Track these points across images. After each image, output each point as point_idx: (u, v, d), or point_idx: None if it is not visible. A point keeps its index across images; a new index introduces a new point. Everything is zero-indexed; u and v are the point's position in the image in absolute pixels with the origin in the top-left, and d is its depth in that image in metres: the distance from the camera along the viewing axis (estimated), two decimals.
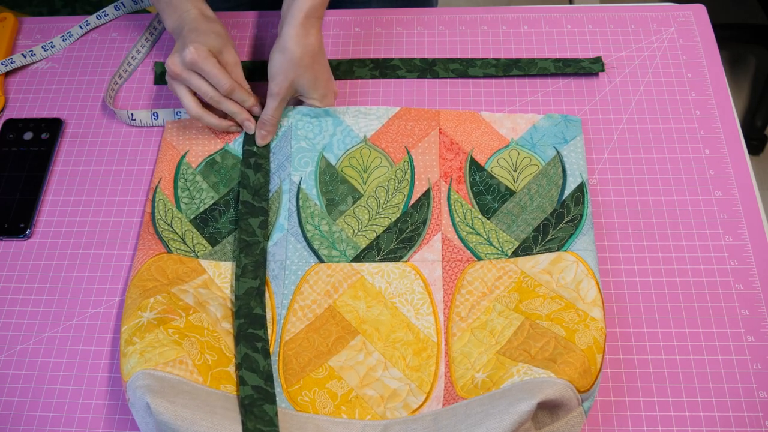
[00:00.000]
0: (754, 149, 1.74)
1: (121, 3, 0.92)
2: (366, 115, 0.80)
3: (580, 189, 0.74)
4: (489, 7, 0.91)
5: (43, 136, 0.83)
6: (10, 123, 0.84)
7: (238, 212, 0.75)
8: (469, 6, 0.98)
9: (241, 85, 0.77)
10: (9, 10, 1.47)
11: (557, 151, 0.76)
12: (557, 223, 0.72)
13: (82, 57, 0.90)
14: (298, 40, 0.74)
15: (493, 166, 0.77)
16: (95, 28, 0.92)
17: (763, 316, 0.69)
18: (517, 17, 0.89)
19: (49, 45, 0.89)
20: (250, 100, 0.77)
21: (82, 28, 0.91)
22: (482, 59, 0.85)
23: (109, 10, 0.92)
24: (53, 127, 0.84)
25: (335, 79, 0.86)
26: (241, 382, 0.64)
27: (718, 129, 0.80)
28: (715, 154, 0.79)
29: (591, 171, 0.78)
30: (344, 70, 0.86)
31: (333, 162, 0.78)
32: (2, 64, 0.87)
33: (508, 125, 0.79)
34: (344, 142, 0.78)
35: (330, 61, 0.86)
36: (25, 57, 0.88)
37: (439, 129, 0.79)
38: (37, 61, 0.89)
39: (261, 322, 0.68)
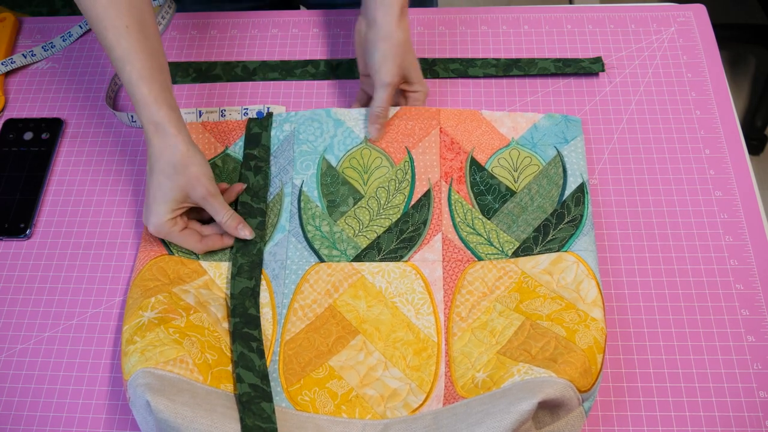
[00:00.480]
0: (754, 149, 1.74)
1: None
2: (367, 117, 0.80)
3: (581, 189, 0.74)
4: (489, 7, 0.91)
5: (43, 136, 0.83)
6: (10, 123, 0.84)
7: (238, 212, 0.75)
8: (469, 6, 0.98)
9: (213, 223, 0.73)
10: (9, 10, 1.47)
11: (558, 151, 0.76)
12: (557, 224, 0.72)
13: (82, 57, 0.90)
14: (399, 25, 0.73)
15: (494, 166, 0.77)
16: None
17: (763, 316, 0.69)
18: (517, 17, 0.89)
19: (49, 45, 0.89)
20: (233, 225, 0.71)
21: (81, 27, 0.91)
22: (482, 59, 0.85)
23: None
24: (53, 127, 0.84)
25: (335, 78, 0.86)
26: (238, 379, 0.64)
27: (718, 129, 0.80)
28: (715, 154, 0.79)
29: (591, 171, 0.78)
30: (344, 69, 0.86)
31: (334, 164, 0.78)
32: (2, 64, 0.87)
33: (509, 124, 0.79)
34: (345, 143, 0.78)
35: (330, 61, 0.87)
36: (25, 57, 0.88)
37: (440, 128, 0.79)
38: (37, 61, 0.89)
39: (255, 322, 0.68)
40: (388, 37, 0.73)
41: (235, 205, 0.76)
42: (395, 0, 0.73)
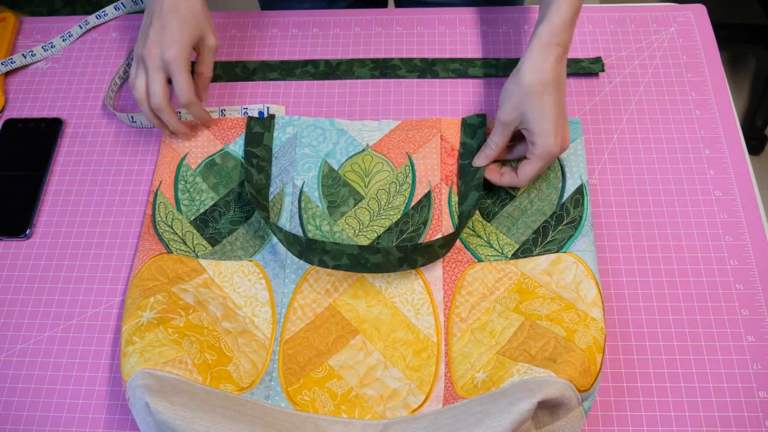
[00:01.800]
0: (754, 149, 1.74)
1: (121, 3, 0.92)
2: (370, 129, 0.80)
3: (580, 191, 0.74)
4: (489, 7, 0.91)
5: (43, 136, 0.83)
6: (10, 123, 0.84)
7: (237, 212, 0.75)
8: (469, 6, 0.98)
9: (203, 80, 0.77)
10: (9, 10, 1.47)
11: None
12: (556, 225, 0.72)
13: (82, 57, 0.90)
14: (532, 66, 0.68)
15: None
16: (95, 27, 0.92)
17: (763, 316, 0.69)
18: (517, 17, 0.89)
19: (49, 45, 0.89)
20: (204, 117, 0.78)
21: (81, 27, 0.91)
22: (482, 59, 0.86)
23: (109, 10, 0.92)
24: (53, 127, 0.84)
25: (335, 78, 0.86)
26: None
27: (718, 129, 0.80)
28: (715, 154, 0.79)
29: (591, 171, 0.78)
30: (344, 69, 0.86)
31: (335, 167, 0.78)
32: (2, 64, 0.87)
33: None
34: (347, 149, 0.79)
35: (330, 61, 0.87)
36: (25, 57, 0.88)
37: (440, 135, 0.79)
38: (37, 61, 0.89)
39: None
40: (515, 74, 0.70)
41: (236, 205, 0.76)
42: (536, 39, 0.69)
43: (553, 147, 0.69)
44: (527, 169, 0.72)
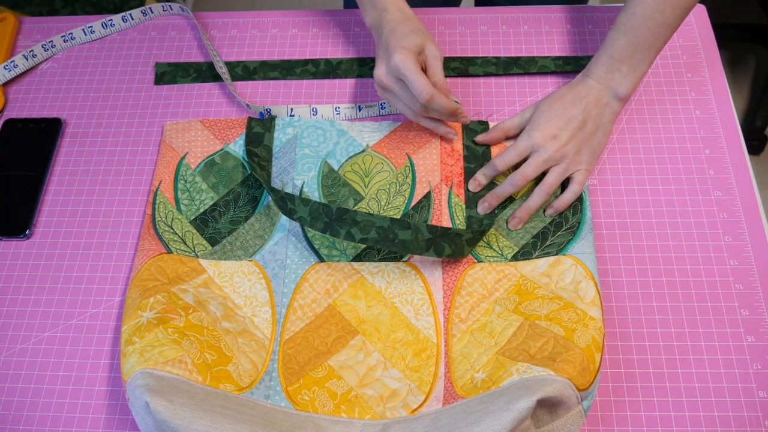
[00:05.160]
0: (754, 149, 1.74)
1: (129, 15, 0.92)
2: (371, 129, 0.80)
3: (579, 197, 0.74)
4: (489, 7, 0.91)
5: (43, 136, 0.83)
6: (10, 123, 0.84)
7: (237, 211, 0.75)
8: (469, 6, 0.98)
9: (440, 89, 0.74)
10: (9, 10, 1.47)
11: None
12: (555, 231, 0.73)
13: (82, 57, 0.90)
14: (579, 81, 0.77)
15: None
16: (100, 38, 0.91)
17: (763, 316, 0.69)
18: (517, 17, 0.89)
19: (50, 44, 0.89)
20: (450, 107, 0.73)
21: (86, 34, 0.90)
22: (482, 58, 0.86)
23: (117, 20, 0.91)
24: (53, 127, 0.84)
25: (336, 77, 0.86)
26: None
27: (718, 129, 0.80)
28: (715, 154, 0.79)
29: (591, 172, 0.78)
30: (345, 69, 0.86)
31: (335, 167, 0.78)
32: (5, 68, 0.87)
33: None
34: (347, 150, 0.79)
35: (330, 60, 0.87)
36: (26, 58, 0.88)
37: (440, 137, 0.79)
38: (38, 63, 0.89)
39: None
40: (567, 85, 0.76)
41: (236, 204, 0.76)
42: (598, 56, 0.75)
43: (536, 135, 0.73)
44: (522, 168, 0.74)
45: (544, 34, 0.88)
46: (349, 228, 0.67)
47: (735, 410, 0.65)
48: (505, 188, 0.74)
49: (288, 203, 0.70)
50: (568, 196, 0.74)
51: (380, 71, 0.73)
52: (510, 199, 0.75)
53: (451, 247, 0.68)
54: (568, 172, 0.74)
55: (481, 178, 0.76)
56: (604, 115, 0.75)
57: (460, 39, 0.88)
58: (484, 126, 0.80)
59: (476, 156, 0.77)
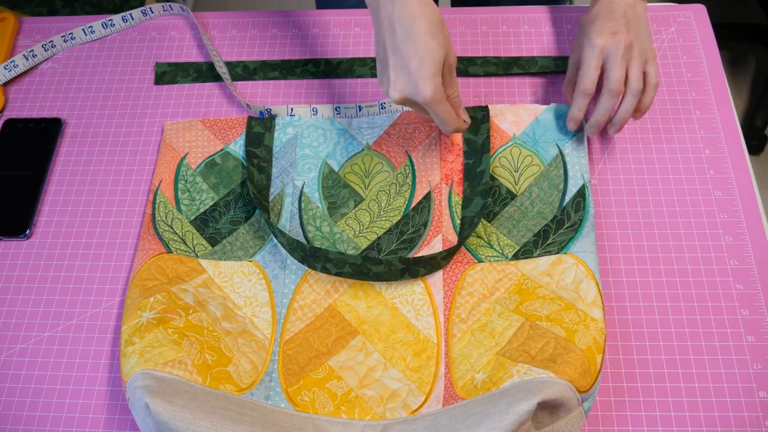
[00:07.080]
0: (754, 149, 1.74)
1: (129, 15, 0.92)
2: (370, 126, 0.80)
3: (581, 194, 0.74)
4: (489, 7, 0.91)
5: (43, 136, 0.83)
6: (10, 123, 0.84)
7: (237, 212, 0.75)
8: (469, 6, 0.97)
9: (453, 103, 0.69)
10: (9, 10, 1.47)
11: (559, 149, 0.76)
12: (557, 229, 0.72)
13: (82, 57, 0.90)
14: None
15: (494, 167, 0.77)
16: (100, 38, 0.91)
17: (763, 316, 0.69)
18: (517, 17, 0.89)
19: (50, 44, 0.89)
20: (462, 129, 0.70)
21: (86, 34, 0.90)
22: (483, 57, 0.85)
23: (117, 20, 0.91)
24: (53, 127, 0.84)
25: (336, 77, 0.86)
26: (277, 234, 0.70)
27: (718, 129, 0.80)
28: (715, 154, 0.79)
29: (591, 171, 0.78)
30: (345, 69, 0.86)
31: (336, 168, 0.78)
32: (5, 68, 0.87)
33: (510, 118, 0.79)
34: (347, 149, 0.79)
35: (330, 60, 0.87)
36: (26, 58, 0.88)
37: (439, 130, 0.79)
38: (38, 63, 0.89)
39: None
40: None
41: (236, 204, 0.76)
42: None
43: (598, 42, 0.71)
44: (609, 75, 0.72)
45: (545, 34, 0.88)
46: (324, 263, 0.68)
47: (735, 410, 0.65)
48: (607, 103, 0.72)
49: (270, 227, 0.71)
50: (651, 91, 0.73)
51: (396, 95, 0.64)
52: (511, 195, 0.75)
53: (426, 268, 0.69)
54: (643, 62, 0.72)
55: (578, 114, 0.74)
56: (638, 12, 0.74)
57: (460, 39, 0.88)
58: (484, 111, 0.79)
59: (476, 150, 0.77)
